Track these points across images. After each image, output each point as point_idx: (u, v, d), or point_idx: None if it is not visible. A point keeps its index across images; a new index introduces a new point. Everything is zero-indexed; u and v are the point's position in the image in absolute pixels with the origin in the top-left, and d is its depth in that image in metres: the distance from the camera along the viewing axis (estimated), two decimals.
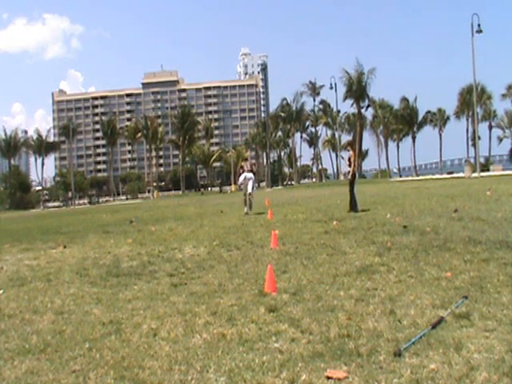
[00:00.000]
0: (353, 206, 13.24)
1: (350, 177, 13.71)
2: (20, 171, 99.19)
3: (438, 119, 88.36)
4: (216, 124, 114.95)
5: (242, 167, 16.93)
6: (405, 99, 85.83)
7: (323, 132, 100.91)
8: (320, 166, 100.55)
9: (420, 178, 52.68)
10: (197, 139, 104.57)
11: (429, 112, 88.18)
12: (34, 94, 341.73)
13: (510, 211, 10.49)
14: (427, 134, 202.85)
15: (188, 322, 4.28)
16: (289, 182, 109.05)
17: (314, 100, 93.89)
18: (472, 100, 56.45)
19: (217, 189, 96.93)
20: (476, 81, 44.86)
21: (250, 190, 15.79)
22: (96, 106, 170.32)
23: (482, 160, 65.19)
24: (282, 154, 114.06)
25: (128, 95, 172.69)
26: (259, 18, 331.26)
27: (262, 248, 8.15)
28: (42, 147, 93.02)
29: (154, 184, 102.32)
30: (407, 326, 3.74)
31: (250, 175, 16.08)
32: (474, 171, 39.29)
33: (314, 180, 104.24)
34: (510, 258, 5.88)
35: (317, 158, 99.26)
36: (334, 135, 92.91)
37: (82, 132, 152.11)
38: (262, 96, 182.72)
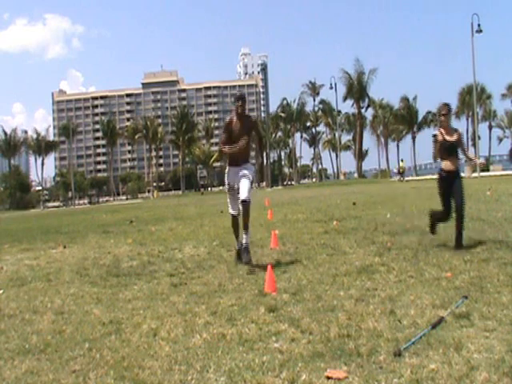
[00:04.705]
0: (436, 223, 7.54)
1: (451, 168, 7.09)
2: (20, 171, 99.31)
3: (438, 119, 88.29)
4: (216, 124, 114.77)
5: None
6: (405, 99, 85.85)
7: (323, 132, 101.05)
8: (320, 166, 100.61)
9: (420, 177, 52.66)
10: (197, 139, 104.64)
11: (429, 112, 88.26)
12: (34, 94, 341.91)
13: (510, 211, 10.50)
14: (427, 134, 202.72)
15: (188, 322, 4.27)
16: (289, 182, 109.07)
17: (314, 100, 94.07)
18: (472, 100, 56.48)
19: (217, 189, 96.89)
20: (476, 81, 44.92)
21: (243, 194, 6.75)
22: (96, 106, 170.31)
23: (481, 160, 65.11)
24: (282, 154, 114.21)
25: (128, 95, 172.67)
26: (259, 18, 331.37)
27: (261, 248, 8.15)
28: (42, 147, 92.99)
29: (154, 184, 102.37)
30: (407, 326, 3.74)
31: (245, 166, 6.91)
32: (473, 171, 39.29)
33: (314, 180, 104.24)
34: (510, 258, 5.88)
35: (317, 158, 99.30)
36: (334, 135, 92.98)
37: (82, 132, 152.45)
38: (261, 96, 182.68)
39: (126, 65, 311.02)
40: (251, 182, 6.86)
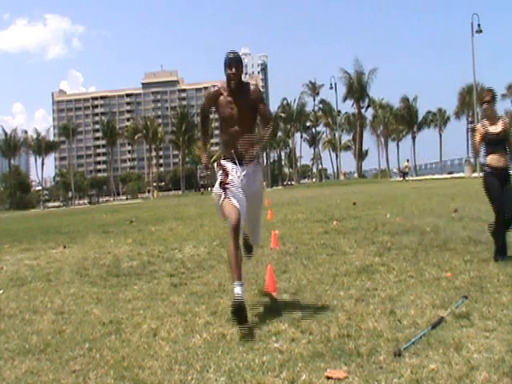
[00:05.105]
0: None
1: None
2: (20, 171, 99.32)
3: (438, 119, 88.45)
4: (216, 124, 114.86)
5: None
6: (405, 99, 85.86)
7: (323, 132, 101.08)
8: (320, 166, 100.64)
9: (420, 177, 52.66)
10: (197, 139, 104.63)
11: (429, 112, 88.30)
12: (34, 94, 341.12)
13: None
14: (427, 134, 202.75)
15: (188, 321, 4.27)
16: (289, 182, 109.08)
17: (314, 100, 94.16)
18: (472, 100, 56.46)
19: None
20: (476, 81, 44.90)
21: (251, 233, 5.33)
22: (96, 106, 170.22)
23: (482, 160, 65.11)
24: (282, 154, 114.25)
25: (128, 95, 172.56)
26: (259, 18, 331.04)
27: (262, 248, 8.15)
28: (42, 147, 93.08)
29: (154, 184, 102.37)
30: (407, 326, 3.74)
31: (251, 169, 4.60)
32: (474, 171, 39.29)
33: (314, 180, 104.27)
34: (510, 257, 5.88)
35: (317, 158, 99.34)
36: (334, 135, 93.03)
37: (82, 132, 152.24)
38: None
39: (125, 65, 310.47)
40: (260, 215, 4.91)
